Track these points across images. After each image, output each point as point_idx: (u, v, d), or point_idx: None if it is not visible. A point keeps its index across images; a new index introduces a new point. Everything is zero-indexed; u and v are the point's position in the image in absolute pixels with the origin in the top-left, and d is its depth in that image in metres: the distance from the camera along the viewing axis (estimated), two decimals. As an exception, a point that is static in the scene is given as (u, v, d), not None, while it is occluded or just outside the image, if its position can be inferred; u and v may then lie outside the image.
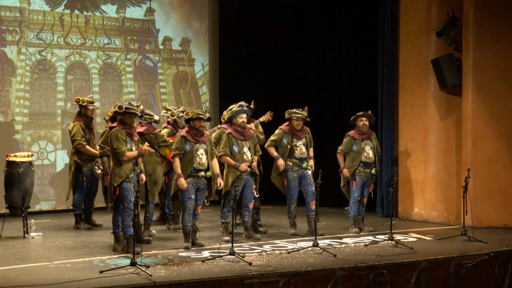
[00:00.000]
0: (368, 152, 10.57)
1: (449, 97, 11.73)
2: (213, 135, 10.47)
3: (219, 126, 10.67)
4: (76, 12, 13.16)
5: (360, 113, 10.69)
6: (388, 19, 12.42)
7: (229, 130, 9.79)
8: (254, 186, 9.90)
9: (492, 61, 11.22)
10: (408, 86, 12.18)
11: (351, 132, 10.72)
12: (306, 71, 14.59)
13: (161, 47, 14.02)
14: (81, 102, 10.83)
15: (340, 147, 10.66)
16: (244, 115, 9.79)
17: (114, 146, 8.79)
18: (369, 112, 10.73)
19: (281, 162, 10.34)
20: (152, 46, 13.95)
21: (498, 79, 11.24)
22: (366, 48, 13.41)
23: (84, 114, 10.86)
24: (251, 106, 10.78)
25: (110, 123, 10.06)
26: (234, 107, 10.09)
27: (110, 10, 13.52)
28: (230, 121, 9.94)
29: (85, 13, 13.24)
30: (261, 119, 10.76)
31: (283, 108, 11.25)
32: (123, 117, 8.93)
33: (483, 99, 11.25)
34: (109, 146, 9.26)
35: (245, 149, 9.75)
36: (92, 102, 10.89)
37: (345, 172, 10.55)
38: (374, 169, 10.59)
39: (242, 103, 10.55)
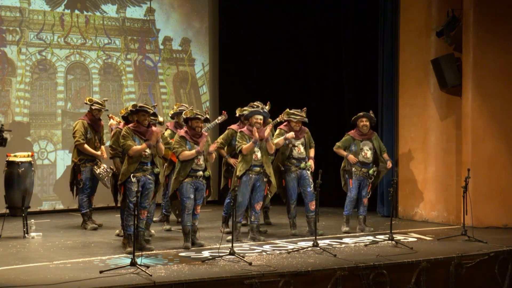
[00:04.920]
0: (366, 152, 10.59)
1: (449, 97, 11.73)
2: (222, 136, 10.54)
3: (228, 127, 10.73)
4: (76, 12, 13.16)
5: (361, 113, 10.72)
6: (388, 19, 12.43)
7: (242, 129, 9.85)
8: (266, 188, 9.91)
9: (492, 61, 11.22)
10: (408, 86, 12.18)
11: (351, 132, 10.76)
12: (306, 71, 14.60)
13: (161, 47, 14.02)
14: (88, 102, 10.86)
15: (337, 143, 10.70)
16: (260, 117, 9.79)
17: (121, 143, 8.92)
18: (371, 112, 10.74)
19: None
20: (152, 46, 13.95)
21: (498, 79, 11.25)
22: (366, 48, 13.42)
23: (91, 114, 10.88)
24: (267, 107, 10.83)
25: (112, 119, 10.15)
26: (248, 108, 10.22)
27: (110, 10, 13.52)
28: (241, 121, 10.12)
29: (85, 13, 13.24)
30: (278, 119, 10.72)
31: (283, 108, 11.25)
32: (137, 116, 8.98)
33: (483, 99, 11.25)
34: (120, 147, 9.32)
35: (256, 149, 9.75)
36: (99, 103, 10.89)
37: (351, 158, 10.55)
38: (372, 169, 10.61)
39: (258, 103, 10.61)
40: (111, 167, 9.98)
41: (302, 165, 10.38)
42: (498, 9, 11.26)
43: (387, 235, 9.82)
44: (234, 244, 8.54)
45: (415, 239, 10.10)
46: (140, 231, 8.90)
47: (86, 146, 10.73)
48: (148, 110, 8.99)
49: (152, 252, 8.84)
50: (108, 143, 11.02)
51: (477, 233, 9.94)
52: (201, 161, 9.22)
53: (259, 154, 9.77)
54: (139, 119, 8.98)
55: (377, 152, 10.71)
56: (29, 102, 12.68)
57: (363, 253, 8.97)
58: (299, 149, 10.41)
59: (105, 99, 11.41)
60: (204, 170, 9.26)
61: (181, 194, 9.14)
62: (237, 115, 10.58)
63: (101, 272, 7.52)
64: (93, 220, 10.91)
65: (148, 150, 8.89)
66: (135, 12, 13.79)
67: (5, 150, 11.12)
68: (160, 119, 9.96)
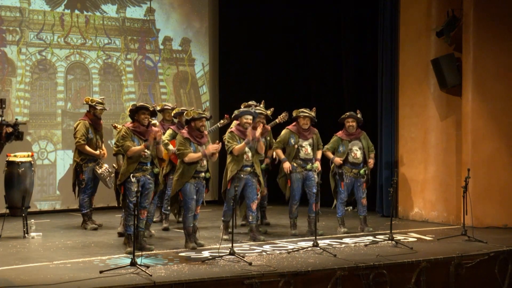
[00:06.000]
0: (356, 152, 10.59)
1: (449, 97, 11.73)
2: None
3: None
4: (76, 12, 13.16)
5: (347, 113, 10.73)
6: (388, 19, 12.43)
7: (232, 129, 9.82)
8: (258, 187, 9.89)
9: (492, 61, 11.22)
10: (408, 86, 12.18)
11: (339, 133, 10.76)
12: (306, 71, 14.60)
13: (161, 47, 14.02)
14: (90, 102, 10.85)
15: (326, 146, 10.70)
16: (249, 117, 9.78)
17: (119, 143, 8.92)
18: (358, 112, 10.73)
19: (287, 165, 10.31)
20: (152, 46, 13.95)
21: (498, 79, 11.25)
22: (366, 48, 13.42)
23: (93, 114, 10.87)
24: (261, 105, 10.86)
25: (117, 128, 10.17)
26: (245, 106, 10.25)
27: (110, 10, 13.52)
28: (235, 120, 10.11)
29: (85, 13, 13.24)
30: (277, 120, 10.74)
31: (283, 108, 11.27)
32: (137, 115, 8.99)
33: (483, 99, 11.26)
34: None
35: (247, 149, 9.74)
36: (102, 103, 10.90)
37: (337, 160, 10.54)
38: (363, 169, 10.59)
39: (252, 102, 10.64)
40: (114, 165, 9.98)
41: (308, 166, 10.34)
42: (498, 9, 11.26)
43: (387, 235, 9.82)
44: (234, 244, 8.54)
45: (415, 239, 10.10)
46: (140, 231, 8.90)
47: (86, 147, 10.73)
48: (149, 107, 9.00)
49: (152, 252, 8.84)
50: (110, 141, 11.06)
51: (477, 233, 9.94)
52: (205, 162, 9.22)
53: (250, 154, 9.76)
54: (138, 118, 8.99)
55: (366, 151, 10.69)
56: (29, 102, 12.68)
57: (363, 253, 8.97)
58: (306, 150, 10.38)
59: (102, 97, 11.36)
60: (206, 171, 9.25)
61: (185, 195, 9.10)
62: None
63: (101, 272, 7.52)
64: (93, 220, 10.91)
65: (147, 151, 8.90)
66: (135, 12, 13.79)
67: (5, 150, 11.11)
68: (154, 121, 9.89)
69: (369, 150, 10.73)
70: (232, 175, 9.63)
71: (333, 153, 10.65)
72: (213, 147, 9.17)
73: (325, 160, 10.82)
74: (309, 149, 10.39)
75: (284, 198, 10.64)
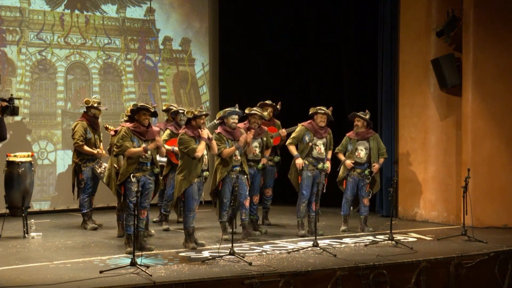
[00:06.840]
0: (360, 152, 10.59)
1: (449, 97, 11.74)
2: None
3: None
4: (76, 12, 13.16)
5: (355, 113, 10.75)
6: (388, 19, 12.43)
7: (219, 130, 9.78)
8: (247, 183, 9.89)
9: (492, 61, 11.23)
10: (408, 86, 12.18)
11: (349, 133, 10.80)
12: (306, 71, 14.59)
13: (161, 47, 14.02)
14: (91, 104, 10.84)
15: (338, 147, 10.74)
16: (236, 117, 9.75)
17: (118, 143, 8.90)
18: (366, 112, 10.72)
19: (300, 161, 10.29)
20: (152, 46, 13.95)
21: (498, 79, 11.26)
22: (366, 48, 13.41)
23: (91, 115, 10.88)
24: (278, 106, 10.89)
25: (109, 130, 10.14)
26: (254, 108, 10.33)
27: (110, 10, 13.52)
28: (248, 120, 10.17)
29: (85, 13, 13.24)
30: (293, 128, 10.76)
31: (283, 107, 11.26)
32: (138, 115, 8.99)
33: (483, 99, 11.26)
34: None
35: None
36: (100, 103, 10.90)
37: (348, 163, 10.54)
38: (367, 169, 10.59)
39: (268, 102, 10.77)
40: (115, 165, 9.98)
41: (320, 165, 10.31)
42: (498, 9, 11.26)
43: (387, 235, 9.82)
44: (234, 244, 8.54)
45: (415, 239, 10.10)
46: (140, 231, 8.90)
47: (85, 147, 10.74)
48: (150, 108, 9.00)
49: (152, 252, 8.84)
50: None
51: (477, 233, 9.95)
52: (207, 161, 9.22)
53: (238, 155, 9.73)
54: (139, 118, 9.00)
55: (373, 153, 10.65)
56: (29, 102, 12.68)
57: (363, 253, 8.97)
58: (319, 149, 10.33)
59: (98, 98, 11.27)
60: (207, 169, 9.26)
61: (189, 195, 9.07)
62: (245, 114, 10.59)
63: (101, 272, 7.52)
64: (93, 220, 10.91)
65: (148, 151, 8.92)
66: (135, 12, 13.79)
67: (5, 150, 11.12)
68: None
69: (379, 153, 10.69)
70: (223, 177, 9.61)
71: (345, 154, 10.67)
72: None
73: (335, 162, 10.82)
74: (323, 149, 10.33)
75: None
